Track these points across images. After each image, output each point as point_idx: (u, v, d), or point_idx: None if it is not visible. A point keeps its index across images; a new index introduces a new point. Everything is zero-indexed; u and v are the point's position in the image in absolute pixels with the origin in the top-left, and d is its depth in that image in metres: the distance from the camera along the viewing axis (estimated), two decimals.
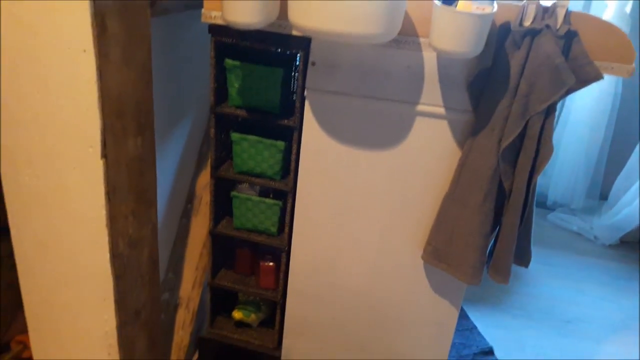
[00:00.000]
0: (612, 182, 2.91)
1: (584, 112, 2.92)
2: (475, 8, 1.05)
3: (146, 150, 1.19)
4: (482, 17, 1.03)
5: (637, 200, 2.70)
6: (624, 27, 2.54)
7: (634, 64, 1.13)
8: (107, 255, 1.13)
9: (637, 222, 2.72)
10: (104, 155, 1.03)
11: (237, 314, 1.67)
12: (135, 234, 1.21)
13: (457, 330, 2.00)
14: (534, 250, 1.32)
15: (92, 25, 0.94)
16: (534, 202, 1.25)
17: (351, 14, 0.99)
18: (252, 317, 1.68)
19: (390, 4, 1.01)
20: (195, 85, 1.65)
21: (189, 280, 1.69)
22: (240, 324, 1.70)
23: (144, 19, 1.10)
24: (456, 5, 1.07)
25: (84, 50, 0.96)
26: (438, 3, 1.04)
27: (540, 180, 3.12)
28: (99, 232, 1.10)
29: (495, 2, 1.06)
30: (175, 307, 1.67)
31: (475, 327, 2.05)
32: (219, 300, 1.71)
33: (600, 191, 3.12)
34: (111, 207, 1.09)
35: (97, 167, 1.03)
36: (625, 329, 2.17)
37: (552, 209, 3.14)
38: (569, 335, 2.09)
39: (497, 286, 2.35)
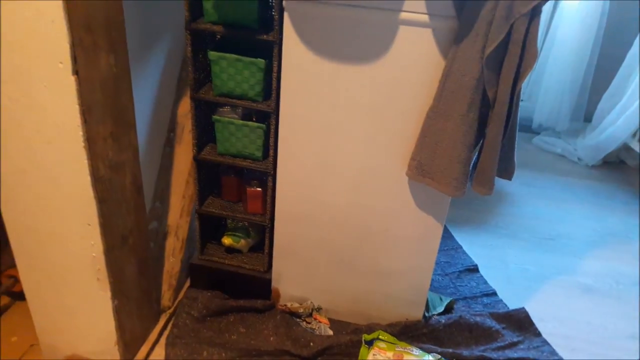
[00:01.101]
0: (597, 104, 2.91)
1: (570, 34, 2.86)
2: None
3: (120, 70, 1.14)
4: None
5: (620, 120, 2.71)
6: None
7: None
8: (88, 179, 1.11)
9: (620, 141, 2.75)
10: (76, 71, 0.98)
11: (226, 240, 1.68)
12: (116, 157, 1.19)
13: (442, 250, 2.05)
14: (519, 172, 1.31)
15: None
16: (518, 112, 1.24)
17: None
18: (242, 243, 1.70)
19: None
20: (170, 7, 1.57)
21: (177, 208, 1.69)
22: (230, 250, 1.73)
23: None
24: None
25: None
26: None
27: (525, 104, 3.15)
28: (77, 155, 1.08)
29: None
30: (165, 236, 1.68)
31: (461, 247, 2.10)
32: (208, 228, 1.72)
33: (585, 113, 3.12)
34: (88, 128, 1.06)
35: (69, 85, 0.99)
36: (605, 244, 2.25)
37: (537, 132, 3.14)
38: (551, 251, 2.16)
39: (482, 208, 2.39)
